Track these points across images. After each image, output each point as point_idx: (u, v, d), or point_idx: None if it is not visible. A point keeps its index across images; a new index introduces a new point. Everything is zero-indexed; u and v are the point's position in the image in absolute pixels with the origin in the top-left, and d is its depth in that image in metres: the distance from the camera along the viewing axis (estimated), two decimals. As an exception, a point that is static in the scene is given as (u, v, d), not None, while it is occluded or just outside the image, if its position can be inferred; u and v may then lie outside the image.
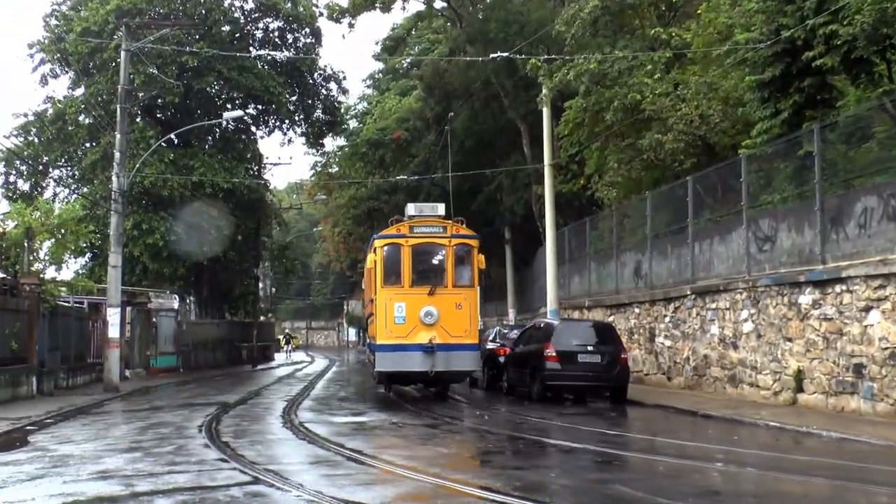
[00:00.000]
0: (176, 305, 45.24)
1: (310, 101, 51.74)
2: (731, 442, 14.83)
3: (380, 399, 25.29)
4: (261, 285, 60.55)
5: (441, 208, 24.59)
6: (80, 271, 45.03)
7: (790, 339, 19.11)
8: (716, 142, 25.51)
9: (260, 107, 49.51)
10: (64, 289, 31.31)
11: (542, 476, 11.86)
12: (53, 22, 45.25)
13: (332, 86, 52.47)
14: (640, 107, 26.27)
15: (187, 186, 42.70)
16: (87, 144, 45.78)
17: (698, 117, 25.12)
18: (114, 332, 29.30)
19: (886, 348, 16.15)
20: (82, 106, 42.64)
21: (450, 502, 9.85)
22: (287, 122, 51.67)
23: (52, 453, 14.21)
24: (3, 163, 45.95)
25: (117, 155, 30.05)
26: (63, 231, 29.04)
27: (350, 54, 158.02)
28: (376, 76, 79.07)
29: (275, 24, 49.75)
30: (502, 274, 52.46)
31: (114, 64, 40.50)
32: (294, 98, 50.63)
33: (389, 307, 22.94)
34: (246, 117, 48.60)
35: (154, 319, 40.63)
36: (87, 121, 44.26)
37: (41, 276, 28.08)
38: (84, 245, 37.55)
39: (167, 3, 43.27)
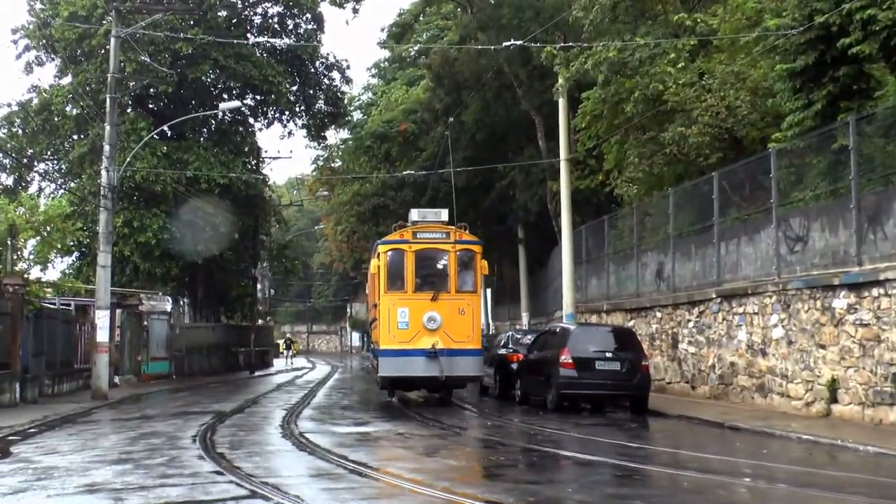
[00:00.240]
0: (169, 308, 45.27)
1: (311, 92, 51.74)
2: (760, 456, 14.75)
3: (385, 408, 25.33)
4: (259, 287, 60.68)
5: (444, 214, 25.97)
6: (67, 271, 45.20)
7: (823, 346, 19.01)
8: (743, 135, 25.41)
9: (258, 97, 49.54)
10: (49, 290, 31.42)
11: (558, 491, 11.81)
12: (38, 6, 45.27)
13: (335, 75, 52.55)
14: (662, 98, 26.19)
15: (181, 181, 42.76)
16: (75, 136, 45.90)
17: (725, 109, 25.01)
18: (102, 335, 29.31)
19: (926, 356, 16.05)
20: (69, 95, 42.64)
21: (459, 519, 9.81)
22: (287, 113, 51.69)
23: (35, 465, 14.19)
24: (-14, 156, 46.12)
25: (107, 148, 30.06)
26: (49, 228, 29.15)
27: (354, 42, 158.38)
28: (382, 65, 79.12)
29: (274, 10, 49.83)
30: (515, 275, 52.47)
31: (103, 51, 40.58)
32: (294, 88, 50.64)
33: (393, 312, 24.26)
34: (243, 108, 48.64)
35: (145, 323, 40.65)
36: (74, 111, 44.31)
37: (25, 276, 28.18)
38: (71, 243, 37.68)
39: (160, -14, 43.36)
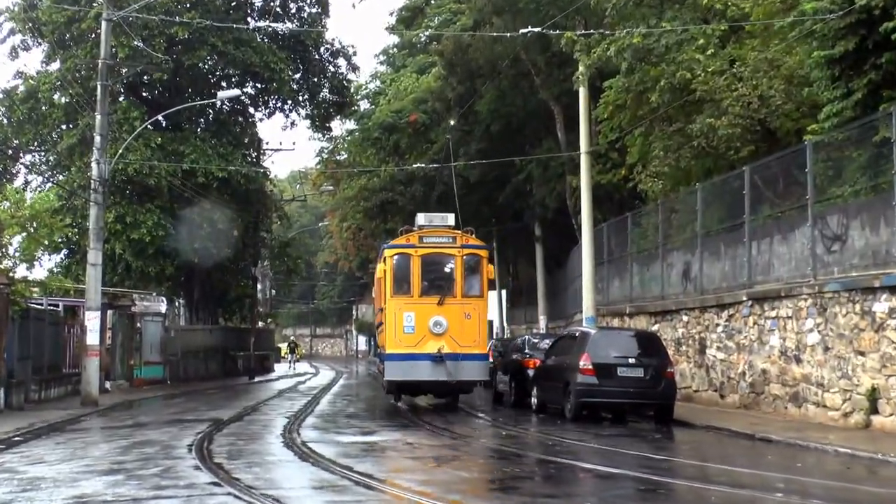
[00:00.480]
0: (163, 309, 45.38)
1: (315, 80, 51.76)
2: (794, 470, 14.68)
3: (393, 416, 25.45)
4: (259, 287, 60.74)
5: (451, 219, 27.69)
6: (55, 270, 45.25)
7: (862, 353, 18.93)
8: (777, 127, 25.32)
9: (259, 85, 49.59)
10: (36, 289, 31.47)
11: (578, 506, 11.79)
12: (25, -13, 45.45)
13: (341, 62, 52.63)
14: (690, 87, 26.10)
15: (177, 175, 42.81)
16: (63, 126, 45.96)
17: (757, 99, 24.92)
18: (93, 338, 29.37)
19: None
20: (58, 82, 42.71)
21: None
22: (290, 102, 51.72)
23: (21, 475, 14.22)
24: (-31, 147, 46.24)
25: (97, 138, 30.12)
26: (35, 224, 29.14)
27: (361, 26, 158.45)
28: (390, 51, 79.16)
29: (276, -9, 49.85)
30: (532, 276, 52.43)
31: (93, 35, 40.67)
32: (297, 76, 50.68)
33: (399, 317, 25.84)
34: (243, 97, 48.70)
35: (138, 325, 40.77)
36: (63, 99, 44.39)
37: (10, 274, 28.17)
38: (59, 240, 37.67)
39: (155, -34, 43.43)
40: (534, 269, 51.79)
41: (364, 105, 70.10)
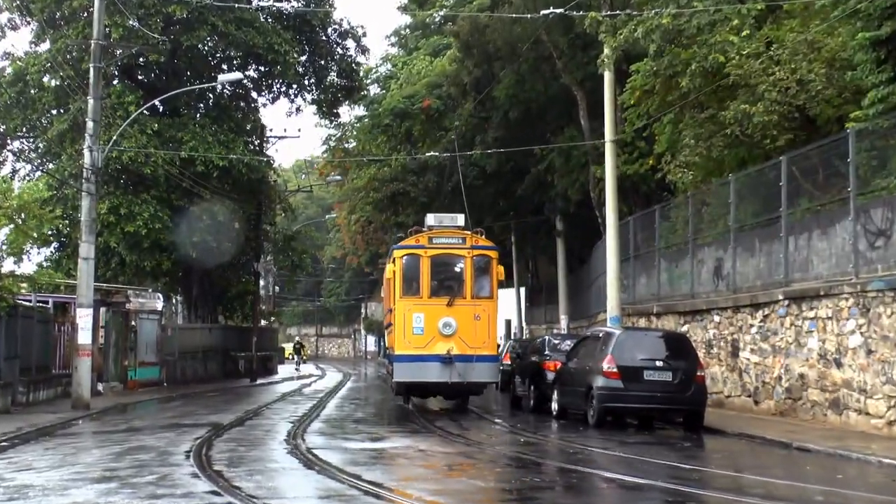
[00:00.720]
0: (160, 306, 45.47)
1: (322, 62, 51.78)
2: (835, 482, 14.62)
3: (403, 421, 25.54)
4: (262, 283, 60.75)
5: (461, 219, 29.32)
6: (45, 264, 45.34)
7: (907, 356, 18.85)
8: (817, 113, 25.21)
9: (262, 68, 49.54)
10: (25, 285, 31.50)
11: (602, 519, 11.77)
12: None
13: (350, 44, 52.58)
14: (723, 71, 26.00)
15: (174, 163, 42.84)
16: (54, 111, 46.10)
17: (796, 83, 24.80)
18: (84, 337, 29.41)
19: None
20: (48, 64, 42.72)
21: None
22: (295, 86, 51.75)
23: (7, 483, 14.24)
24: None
25: (90, 124, 30.16)
26: (24, 215, 29.17)
27: (371, 6, 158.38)
28: (402, 32, 79.28)
29: (281, -32, 49.89)
30: (552, 273, 52.41)
31: (86, 14, 40.77)
32: (303, 58, 50.66)
33: (408, 317, 27.28)
34: (245, 81, 48.72)
35: (133, 323, 40.83)
36: (53, 82, 44.49)
37: (-2, 269, 28.26)
38: (49, 232, 37.85)
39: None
40: (554, 266, 51.77)
41: (374, 90, 70.20)
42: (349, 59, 52.74)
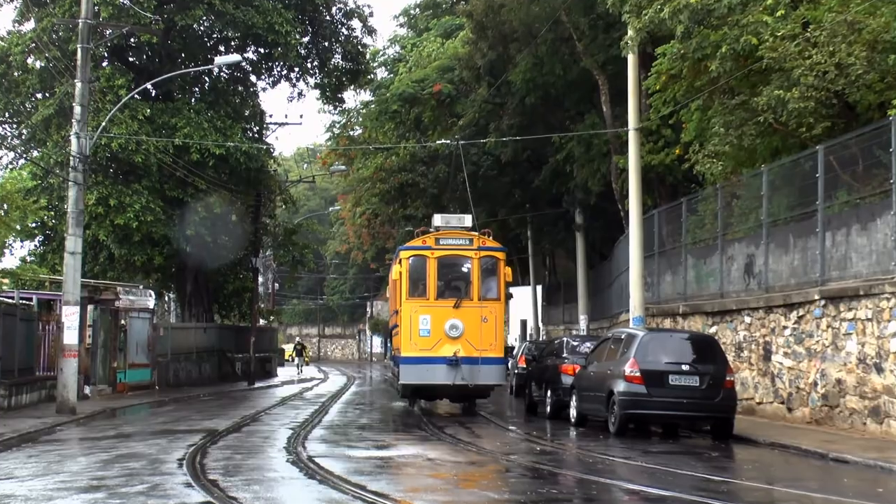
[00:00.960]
0: (151, 304, 45.49)
1: (326, 44, 51.83)
2: (874, 496, 14.61)
3: (411, 428, 25.64)
4: (261, 280, 60.98)
5: (468, 220, 30.56)
6: (29, 258, 45.47)
7: (952, 361, 18.80)
8: (857, 100, 25.10)
9: (262, 50, 49.65)
10: (7, 280, 31.63)
11: (624, 534, 11.75)
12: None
13: (355, 24, 52.61)
14: (756, 54, 25.93)
15: (168, 151, 42.91)
16: (39, 95, 46.12)
17: (834, 67, 24.69)
18: (71, 337, 29.46)
19: None
20: (32, 45, 42.81)
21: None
22: (297, 70, 51.83)
23: (-12, 491, 14.26)
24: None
25: (77, 109, 30.20)
26: (6, 206, 29.25)
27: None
28: (412, 12, 79.18)
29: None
30: (572, 270, 52.40)
31: (74, -8, 40.77)
32: (306, 39, 50.76)
33: (414, 319, 28.53)
34: (244, 63, 48.77)
35: (123, 322, 40.89)
36: (38, 64, 44.51)
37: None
38: (33, 224, 37.90)
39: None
40: (573, 262, 51.76)
41: (381, 73, 70.24)
42: (355, 41, 52.74)
